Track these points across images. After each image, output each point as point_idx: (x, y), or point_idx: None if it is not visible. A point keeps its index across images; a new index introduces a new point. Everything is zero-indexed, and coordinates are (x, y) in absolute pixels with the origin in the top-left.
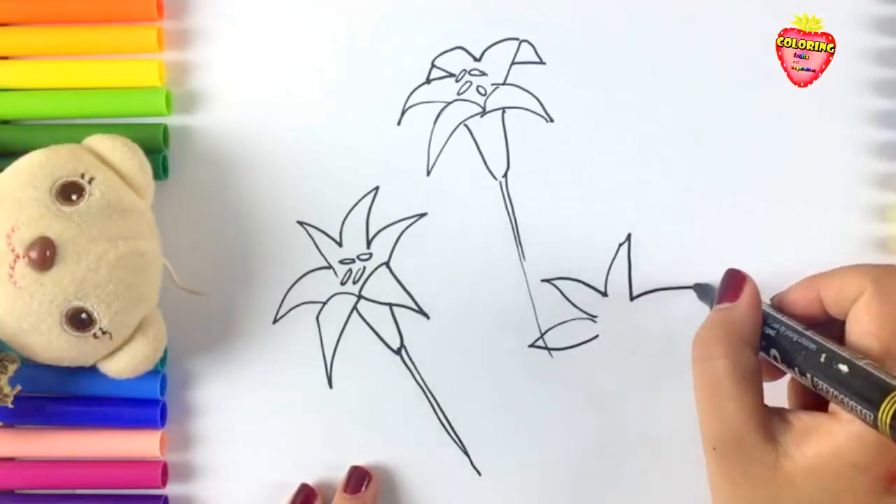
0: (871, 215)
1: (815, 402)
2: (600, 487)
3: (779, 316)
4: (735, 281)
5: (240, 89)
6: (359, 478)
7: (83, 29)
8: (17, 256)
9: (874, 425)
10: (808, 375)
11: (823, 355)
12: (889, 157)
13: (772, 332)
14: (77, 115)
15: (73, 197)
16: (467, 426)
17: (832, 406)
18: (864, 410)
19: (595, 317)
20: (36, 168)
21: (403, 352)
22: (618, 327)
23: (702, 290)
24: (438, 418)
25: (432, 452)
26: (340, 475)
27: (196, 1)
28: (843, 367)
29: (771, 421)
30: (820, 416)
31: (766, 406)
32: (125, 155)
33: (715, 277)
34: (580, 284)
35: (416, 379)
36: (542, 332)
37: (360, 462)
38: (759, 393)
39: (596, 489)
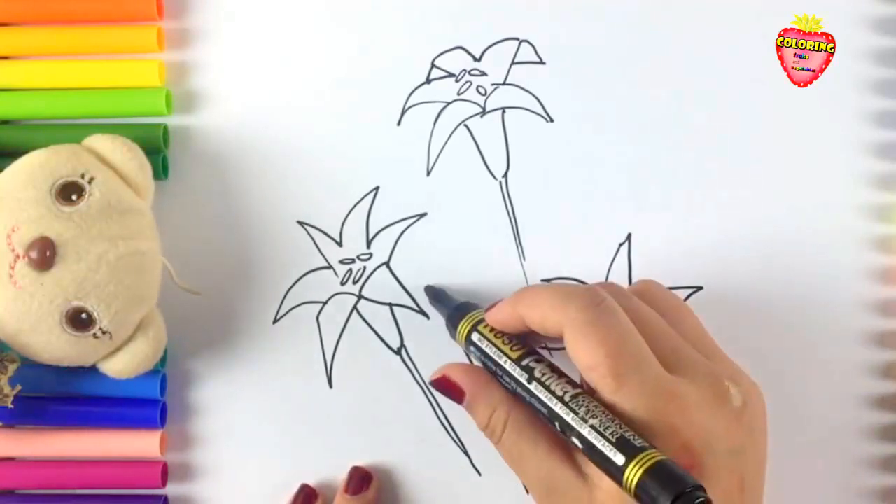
0: (871, 215)
1: None
2: None
3: (508, 376)
4: (454, 387)
5: (240, 89)
6: (360, 478)
7: (83, 29)
8: (17, 256)
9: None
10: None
11: (557, 423)
12: (889, 157)
13: (519, 392)
14: (77, 115)
15: (73, 197)
16: (467, 426)
17: None
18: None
19: None
20: (36, 168)
21: (403, 352)
22: None
23: (436, 296)
24: (438, 418)
25: (432, 452)
26: (341, 475)
27: (196, 1)
28: (577, 442)
29: (574, 456)
30: None
31: (563, 444)
32: (125, 155)
33: (715, 278)
34: (580, 284)
35: (416, 379)
36: None
37: (360, 462)
38: (550, 435)
39: None
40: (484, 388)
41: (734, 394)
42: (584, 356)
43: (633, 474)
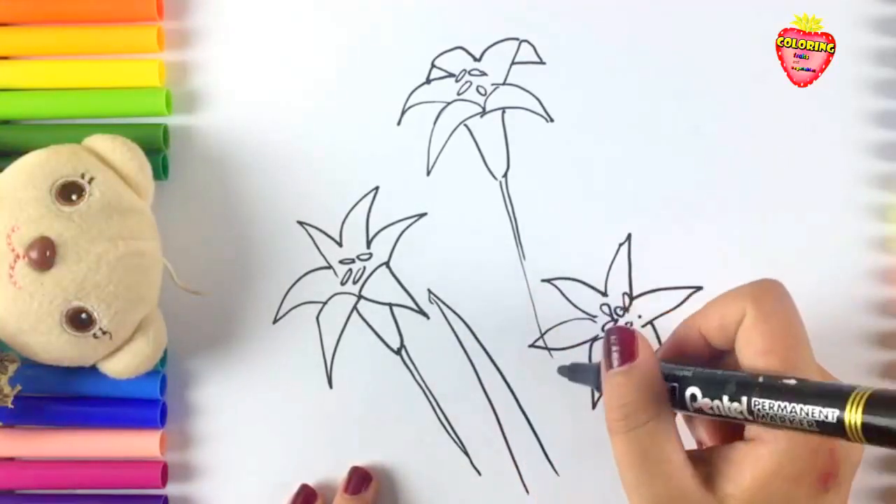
0: (871, 215)
1: (720, 434)
2: (600, 488)
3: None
4: (625, 340)
5: (240, 89)
6: (360, 478)
7: (83, 29)
8: (17, 256)
9: (835, 432)
10: (744, 400)
11: (761, 377)
12: (889, 157)
13: (688, 373)
14: (77, 115)
15: (73, 197)
16: (467, 426)
17: (749, 432)
18: (825, 411)
19: (595, 317)
20: (36, 168)
21: (403, 352)
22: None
23: (573, 371)
24: (438, 418)
25: (432, 452)
26: (340, 475)
27: (196, 1)
28: (791, 381)
29: (700, 467)
30: (740, 445)
31: (690, 454)
32: (125, 155)
33: (715, 278)
34: (580, 284)
35: (416, 379)
36: (542, 332)
37: (360, 462)
38: (682, 444)
39: (596, 489)
40: (656, 367)
41: None
42: (764, 339)
43: (861, 394)
